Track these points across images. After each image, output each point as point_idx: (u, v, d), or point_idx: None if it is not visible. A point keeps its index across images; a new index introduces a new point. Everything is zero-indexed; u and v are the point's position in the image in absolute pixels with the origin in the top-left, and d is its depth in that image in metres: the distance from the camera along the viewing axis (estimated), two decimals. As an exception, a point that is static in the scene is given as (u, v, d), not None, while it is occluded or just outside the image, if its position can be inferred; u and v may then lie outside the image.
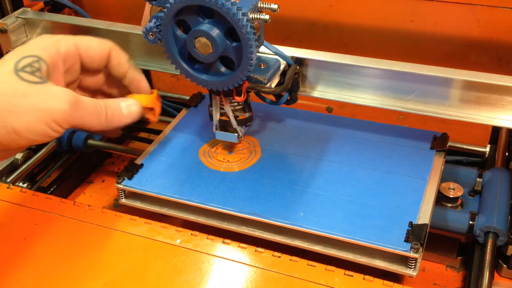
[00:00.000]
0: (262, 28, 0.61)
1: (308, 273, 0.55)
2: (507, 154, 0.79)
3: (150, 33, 0.61)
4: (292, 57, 0.68)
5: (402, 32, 0.86)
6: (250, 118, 0.68)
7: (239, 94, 0.64)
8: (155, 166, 0.69)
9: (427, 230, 0.59)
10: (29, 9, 0.84)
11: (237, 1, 0.56)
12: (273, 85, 0.64)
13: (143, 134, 0.97)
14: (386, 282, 0.54)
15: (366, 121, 0.76)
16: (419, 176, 0.66)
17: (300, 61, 0.69)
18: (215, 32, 0.58)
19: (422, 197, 0.63)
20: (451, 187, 0.71)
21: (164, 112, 0.98)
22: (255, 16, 0.57)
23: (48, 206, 0.64)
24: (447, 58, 0.85)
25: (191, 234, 0.60)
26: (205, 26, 0.58)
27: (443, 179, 0.72)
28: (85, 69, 0.58)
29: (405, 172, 0.67)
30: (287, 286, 0.54)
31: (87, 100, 0.53)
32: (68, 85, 0.56)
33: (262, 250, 0.58)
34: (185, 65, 0.62)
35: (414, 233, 0.58)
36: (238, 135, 0.68)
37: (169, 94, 1.00)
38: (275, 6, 0.58)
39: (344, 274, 0.55)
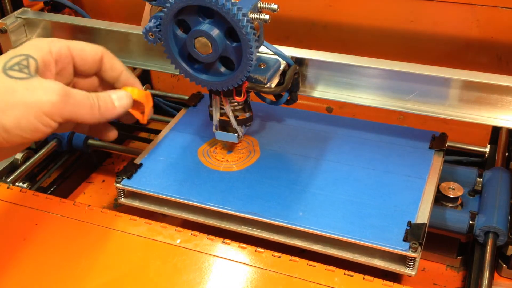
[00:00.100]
0: (262, 28, 0.61)
1: (308, 273, 0.55)
2: (507, 154, 0.79)
3: (150, 33, 0.61)
4: (292, 57, 0.68)
5: (402, 32, 0.86)
6: (250, 118, 0.68)
7: (239, 94, 0.64)
8: (154, 166, 0.69)
9: (426, 230, 0.59)
10: (29, 9, 0.84)
11: (237, 1, 0.56)
12: (273, 85, 0.64)
13: (143, 134, 0.97)
14: (386, 282, 0.54)
15: (365, 121, 0.76)
16: (417, 176, 0.66)
17: (300, 61, 0.69)
18: (215, 32, 0.58)
19: (420, 196, 0.63)
20: (451, 187, 0.71)
21: (164, 112, 0.98)
22: (255, 16, 0.57)
23: (48, 206, 0.64)
24: (447, 58, 0.85)
25: (191, 234, 0.60)
26: (205, 26, 0.58)
27: (443, 179, 0.72)
28: (78, 73, 0.57)
29: (404, 172, 0.67)
30: (287, 286, 0.54)
31: (77, 91, 0.52)
32: None
33: (262, 250, 0.58)
34: (185, 65, 0.62)
35: (413, 233, 0.58)
36: (238, 135, 0.68)
37: (169, 94, 1.00)
38: (275, 6, 0.58)
39: (344, 274, 0.55)
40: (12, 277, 0.57)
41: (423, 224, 0.59)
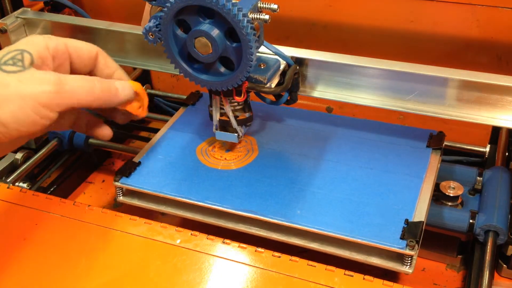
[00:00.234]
0: (262, 28, 0.61)
1: (308, 273, 0.55)
2: (507, 154, 0.79)
3: (150, 33, 0.61)
4: (292, 57, 0.68)
5: (402, 32, 0.86)
6: (250, 118, 0.68)
7: (239, 94, 0.64)
8: (153, 164, 0.69)
9: (423, 228, 0.59)
10: (29, 9, 0.84)
11: (237, 1, 0.56)
12: (273, 85, 0.64)
13: (143, 134, 0.97)
14: (386, 282, 0.54)
15: (363, 120, 0.76)
16: (415, 174, 0.66)
17: (300, 61, 0.69)
18: (215, 32, 0.58)
19: (418, 195, 0.63)
20: (451, 186, 0.71)
21: (164, 112, 0.99)
22: (255, 16, 0.57)
23: (48, 206, 0.64)
24: (447, 58, 0.85)
25: (191, 234, 0.60)
26: (205, 26, 0.58)
27: (444, 178, 0.72)
28: (74, 71, 0.57)
29: (402, 170, 0.67)
30: (287, 286, 0.54)
31: (72, 76, 0.52)
32: None
33: (262, 250, 0.58)
34: (184, 65, 0.62)
35: (410, 231, 0.58)
36: (238, 135, 0.69)
37: (169, 94, 1.01)
38: (275, 6, 0.58)
39: (344, 274, 0.55)
40: (12, 277, 0.57)
41: (420, 222, 0.59)
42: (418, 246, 0.57)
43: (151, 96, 0.99)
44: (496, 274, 0.69)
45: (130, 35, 0.78)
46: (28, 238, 0.61)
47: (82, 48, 0.57)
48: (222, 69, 0.61)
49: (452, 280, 0.70)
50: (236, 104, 0.66)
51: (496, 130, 0.82)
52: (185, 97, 0.84)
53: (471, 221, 0.67)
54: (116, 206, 0.82)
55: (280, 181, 0.66)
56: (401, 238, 0.57)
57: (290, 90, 0.68)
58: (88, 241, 0.60)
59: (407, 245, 0.57)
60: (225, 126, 0.69)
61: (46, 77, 0.50)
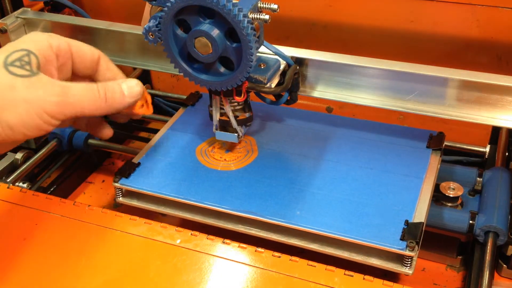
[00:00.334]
0: (262, 28, 0.61)
1: (308, 273, 0.55)
2: (507, 154, 0.79)
3: (150, 33, 0.61)
4: (292, 57, 0.68)
5: (402, 32, 0.86)
6: (250, 118, 0.68)
7: (239, 94, 0.64)
8: (152, 165, 0.69)
9: (423, 229, 0.59)
10: (29, 9, 0.84)
11: (237, 2, 0.56)
12: (273, 85, 0.64)
13: (143, 134, 0.97)
14: (386, 282, 0.54)
15: (363, 120, 0.76)
16: (415, 175, 0.66)
17: (300, 61, 0.69)
18: (215, 32, 0.58)
19: (418, 195, 0.63)
20: (451, 186, 0.71)
21: (164, 112, 0.98)
22: (255, 16, 0.57)
23: (48, 206, 0.64)
24: (447, 58, 0.85)
25: (191, 234, 0.60)
26: (206, 26, 0.58)
27: (443, 178, 0.72)
28: (75, 72, 0.57)
29: (401, 171, 0.67)
30: (287, 286, 0.54)
31: (77, 86, 0.52)
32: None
33: (262, 250, 0.58)
34: (184, 65, 0.62)
35: (410, 232, 0.58)
36: (238, 135, 0.68)
37: (169, 94, 1.00)
38: (275, 6, 0.58)
39: (344, 274, 0.55)
40: (12, 277, 0.57)
41: (420, 223, 0.59)
42: (418, 247, 0.57)
43: (151, 96, 0.99)
44: (496, 274, 0.69)
45: (130, 35, 0.78)
46: (28, 238, 0.61)
47: (85, 50, 0.57)
48: (222, 69, 0.61)
49: (452, 280, 0.70)
50: (236, 104, 0.66)
51: (496, 130, 0.82)
52: (185, 97, 0.84)
53: (471, 222, 0.67)
54: (116, 206, 0.82)
55: (280, 182, 0.66)
56: (401, 239, 0.57)
57: (290, 90, 0.68)
58: (88, 241, 0.60)
59: (407, 246, 0.57)
60: (225, 126, 0.69)
61: (52, 87, 0.50)
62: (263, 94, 0.69)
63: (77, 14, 0.92)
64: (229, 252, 0.58)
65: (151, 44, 0.62)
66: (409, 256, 0.57)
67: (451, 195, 0.70)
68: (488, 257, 0.63)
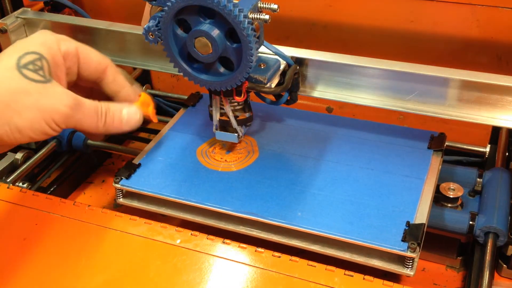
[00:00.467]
0: (262, 28, 0.61)
1: (308, 273, 0.55)
2: (507, 154, 0.79)
3: (150, 33, 0.61)
4: (292, 57, 0.68)
5: (402, 32, 0.86)
6: (250, 118, 0.68)
7: (239, 94, 0.64)
8: (153, 166, 0.69)
9: (424, 230, 0.59)
10: (29, 9, 0.85)
11: (237, 2, 0.56)
12: (273, 85, 0.64)
13: (143, 134, 0.97)
14: (386, 282, 0.54)
15: (364, 121, 0.76)
16: (416, 176, 0.66)
17: (300, 61, 0.69)
18: (216, 32, 0.58)
19: (419, 196, 0.63)
20: (451, 187, 0.71)
21: (164, 112, 0.98)
22: (255, 16, 0.57)
23: (48, 206, 0.64)
24: (447, 58, 0.85)
25: (191, 234, 0.60)
26: (206, 26, 0.58)
27: (443, 179, 0.72)
28: (80, 77, 0.58)
29: (403, 172, 0.67)
30: (287, 286, 0.54)
31: (88, 103, 0.54)
32: (67, 85, 0.57)
33: (262, 250, 0.58)
34: (184, 65, 0.62)
35: (411, 233, 0.58)
36: (238, 135, 0.68)
37: (169, 94, 1.00)
38: (275, 6, 0.58)
39: (344, 274, 0.55)
40: (12, 277, 0.57)
41: (421, 225, 0.59)
42: (420, 248, 0.57)
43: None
44: (496, 274, 0.69)
45: (130, 35, 0.78)
46: (28, 238, 0.61)
47: (92, 57, 0.57)
48: (222, 69, 0.61)
49: (452, 280, 0.70)
50: (236, 104, 0.66)
51: (496, 130, 0.82)
52: (185, 97, 0.84)
53: (471, 222, 0.67)
54: (116, 206, 0.82)
55: (281, 183, 0.66)
56: (402, 240, 0.57)
57: (290, 90, 0.68)
58: (88, 241, 0.60)
59: (408, 247, 0.57)
60: (225, 126, 0.69)
61: (66, 98, 0.51)
62: (263, 94, 0.69)
63: (77, 14, 0.92)
64: (229, 252, 0.58)
65: (151, 44, 0.62)
66: (410, 258, 0.57)
67: (451, 196, 0.70)
68: (488, 257, 0.63)
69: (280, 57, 0.66)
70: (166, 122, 0.79)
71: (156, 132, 0.76)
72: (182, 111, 0.80)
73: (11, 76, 0.49)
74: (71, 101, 0.51)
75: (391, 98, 0.68)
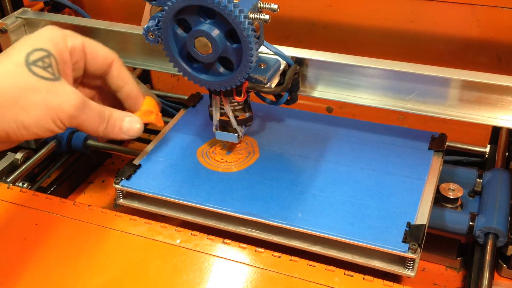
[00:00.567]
0: (262, 28, 0.61)
1: (308, 273, 0.55)
2: (507, 154, 0.79)
3: (150, 33, 0.61)
4: (292, 57, 0.68)
5: (402, 32, 0.86)
6: (250, 118, 0.68)
7: (239, 94, 0.64)
8: (153, 167, 0.69)
9: (425, 231, 0.59)
10: (29, 9, 0.84)
11: (237, 1, 0.56)
12: (273, 85, 0.64)
13: (143, 135, 0.96)
14: (386, 282, 0.54)
15: (365, 122, 0.76)
16: (417, 177, 0.66)
17: (300, 61, 0.69)
18: (216, 32, 0.58)
19: (420, 197, 0.63)
20: (451, 187, 0.71)
21: (163, 112, 0.98)
22: (255, 16, 0.57)
23: (48, 206, 0.64)
24: (447, 58, 0.85)
25: (191, 234, 0.60)
26: (206, 26, 0.58)
27: (443, 179, 0.72)
28: (87, 72, 0.58)
29: (403, 173, 0.67)
30: (287, 286, 0.54)
31: (94, 105, 0.54)
32: (73, 81, 0.57)
33: (262, 250, 0.58)
34: (184, 64, 0.62)
35: (412, 234, 0.58)
36: (238, 135, 0.68)
37: (169, 94, 1.00)
38: (275, 6, 0.58)
39: (344, 274, 0.55)
40: (12, 277, 0.57)
41: (422, 225, 0.59)
42: (421, 249, 0.57)
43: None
44: (496, 274, 0.69)
45: (130, 35, 0.78)
46: (28, 238, 0.61)
47: (98, 52, 0.58)
48: (222, 69, 0.61)
49: (452, 280, 0.70)
50: (236, 104, 0.66)
51: (496, 130, 0.82)
52: (185, 97, 0.84)
53: (470, 223, 0.67)
54: (116, 206, 0.82)
55: (281, 184, 0.66)
56: (403, 241, 0.57)
57: (290, 90, 0.68)
58: (88, 241, 0.60)
59: (409, 248, 0.56)
60: (225, 126, 0.69)
61: (73, 97, 0.51)
62: (263, 94, 0.69)
63: (77, 14, 0.92)
64: (229, 252, 0.58)
65: (152, 44, 0.62)
66: (411, 259, 0.57)
67: (451, 196, 0.70)
68: (488, 258, 0.63)
69: (280, 57, 0.66)
70: (167, 122, 0.79)
71: (155, 132, 0.76)
72: (182, 112, 0.80)
73: (20, 72, 0.49)
74: (78, 101, 0.51)
75: (391, 98, 0.68)
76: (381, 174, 0.67)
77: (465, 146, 0.82)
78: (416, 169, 0.67)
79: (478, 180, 0.74)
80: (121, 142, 0.94)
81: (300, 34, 0.92)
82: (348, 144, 0.72)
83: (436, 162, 0.69)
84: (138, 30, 0.77)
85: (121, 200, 0.68)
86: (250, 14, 0.57)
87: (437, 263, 0.72)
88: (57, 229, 0.62)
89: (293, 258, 0.56)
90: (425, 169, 0.67)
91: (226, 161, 0.70)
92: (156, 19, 0.60)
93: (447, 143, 0.72)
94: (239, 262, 0.57)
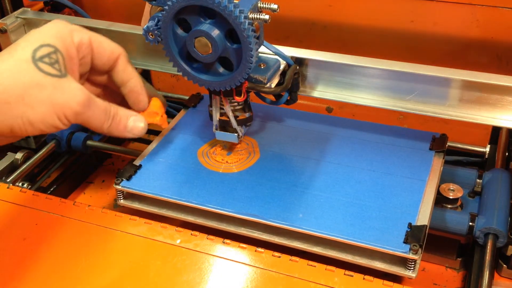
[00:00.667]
0: (262, 28, 0.61)
1: (308, 273, 0.55)
2: (507, 154, 0.79)
3: (150, 33, 0.61)
4: (292, 57, 0.67)
5: (402, 32, 0.86)
6: (250, 118, 0.68)
7: (239, 94, 0.64)
8: (154, 167, 0.69)
9: (426, 232, 0.59)
10: (29, 9, 0.84)
11: (237, 1, 0.56)
12: (273, 85, 0.64)
13: (143, 135, 0.96)
14: (386, 282, 0.54)
15: (365, 122, 0.76)
16: (418, 177, 0.66)
17: (300, 61, 0.69)
18: (215, 32, 0.58)
19: (421, 198, 0.63)
20: (451, 188, 0.71)
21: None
22: (255, 16, 0.57)
23: (48, 206, 0.64)
24: (447, 58, 0.85)
25: (191, 234, 0.60)
26: (206, 26, 0.58)
27: (443, 180, 0.72)
28: (93, 67, 0.58)
29: (404, 173, 0.67)
30: (287, 286, 0.54)
31: (99, 102, 0.54)
32: (80, 77, 0.57)
33: (262, 250, 0.58)
34: (184, 64, 0.62)
35: (413, 235, 0.58)
36: (238, 135, 0.68)
37: (169, 94, 1.00)
38: (275, 6, 0.58)
39: (344, 274, 0.55)
40: (12, 277, 0.57)
41: (423, 226, 0.59)
42: (422, 250, 0.57)
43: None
44: (496, 274, 0.69)
45: (130, 35, 0.78)
46: (28, 238, 0.61)
47: (104, 46, 0.57)
48: (221, 70, 0.61)
49: (452, 280, 0.70)
50: (236, 104, 0.66)
51: (496, 130, 0.82)
52: (185, 97, 0.84)
53: (470, 223, 0.67)
54: (116, 206, 0.82)
55: (282, 184, 0.66)
56: (404, 242, 0.57)
57: (290, 90, 0.68)
58: (88, 241, 0.60)
59: (410, 249, 0.56)
60: (225, 126, 0.69)
61: (79, 94, 0.51)
62: (263, 94, 0.69)
63: (77, 14, 0.92)
64: (229, 252, 0.58)
65: (151, 44, 0.62)
66: (412, 259, 0.57)
67: (451, 197, 0.70)
68: (488, 258, 0.63)
69: (280, 57, 0.66)
70: (167, 123, 0.79)
71: (155, 133, 0.76)
72: (183, 112, 0.80)
73: (26, 68, 0.49)
74: (84, 98, 0.51)
75: (391, 98, 0.68)
76: (382, 175, 0.67)
77: (465, 146, 0.82)
78: (417, 169, 0.67)
79: (478, 180, 0.74)
80: (121, 142, 0.94)
81: (300, 34, 0.92)
82: (349, 144, 0.72)
83: (437, 163, 0.69)
84: (138, 30, 0.77)
85: (121, 200, 0.68)
86: (250, 14, 0.57)
87: (437, 263, 0.72)
88: (57, 229, 0.62)
89: (293, 258, 0.57)
90: (426, 170, 0.67)
91: (226, 161, 0.70)
92: (156, 19, 0.60)
93: (448, 143, 0.72)
94: (239, 262, 0.57)
